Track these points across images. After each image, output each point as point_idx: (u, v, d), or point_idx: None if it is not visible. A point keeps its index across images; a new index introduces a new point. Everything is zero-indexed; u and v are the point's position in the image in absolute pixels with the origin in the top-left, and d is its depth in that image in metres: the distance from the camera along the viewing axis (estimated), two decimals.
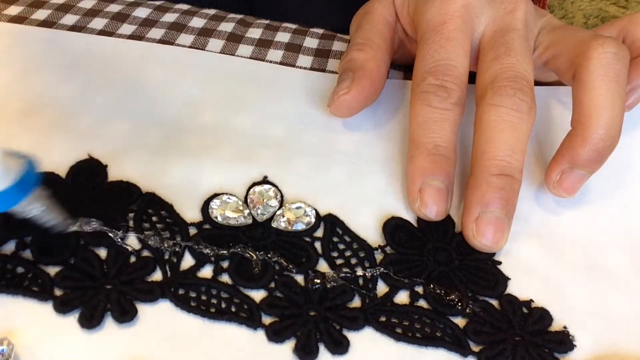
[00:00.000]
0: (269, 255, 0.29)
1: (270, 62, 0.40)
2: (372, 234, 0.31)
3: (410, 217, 0.32)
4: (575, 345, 0.28)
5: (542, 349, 0.27)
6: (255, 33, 0.43)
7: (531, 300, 0.29)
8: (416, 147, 0.32)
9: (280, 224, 0.31)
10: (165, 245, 0.29)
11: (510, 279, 0.30)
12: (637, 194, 0.35)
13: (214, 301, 0.28)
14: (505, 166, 0.30)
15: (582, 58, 0.31)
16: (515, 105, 0.30)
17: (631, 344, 0.28)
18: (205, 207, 0.31)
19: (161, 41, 0.41)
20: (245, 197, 0.32)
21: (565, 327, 0.28)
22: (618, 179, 0.35)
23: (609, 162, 0.32)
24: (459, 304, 0.28)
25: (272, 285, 0.28)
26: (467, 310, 0.28)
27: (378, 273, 0.29)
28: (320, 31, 0.44)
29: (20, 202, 0.25)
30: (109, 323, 0.26)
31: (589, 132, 0.30)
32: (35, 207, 0.26)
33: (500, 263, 0.30)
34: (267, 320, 0.27)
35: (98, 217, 0.29)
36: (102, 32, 0.41)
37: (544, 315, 0.29)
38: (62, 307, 0.26)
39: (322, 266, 0.29)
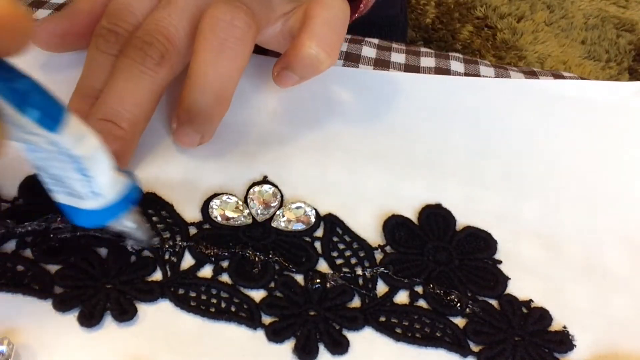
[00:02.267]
0: (270, 256, 0.29)
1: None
2: (372, 233, 0.31)
3: (411, 215, 0.32)
4: (575, 345, 0.28)
5: (542, 349, 0.27)
6: None
7: (531, 300, 0.29)
8: (75, 89, 0.31)
9: (280, 223, 0.31)
10: (166, 245, 0.29)
11: (510, 278, 0.30)
12: (637, 194, 0.35)
13: (214, 301, 0.28)
14: (107, 112, 0.30)
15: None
16: (139, 58, 0.30)
17: (631, 344, 0.28)
18: (205, 207, 0.31)
19: None
20: (245, 197, 0.32)
21: (565, 327, 0.28)
22: (618, 179, 0.35)
23: (609, 162, 0.32)
24: (459, 304, 0.28)
25: (272, 285, 0.28)
26: (467, 311, 0.28)
27: (378, 273, 0.29)
28: None
29: (122, 216, 0.25)
30: (109, 322, 0.26)
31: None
32: (130, 222, 0.26)
33: (500, 262, 0.30)
34: (267, 320, 0.27)
35: None
36: None
37: (544, 315, 0.29)
38: (62, 306, 0.26)
39: (322, 266, 0.29)
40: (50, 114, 0.19)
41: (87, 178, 0.22)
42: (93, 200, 0.22)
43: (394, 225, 0.31)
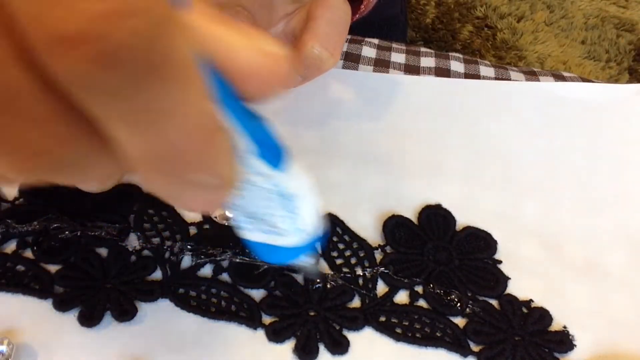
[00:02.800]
0: None
1: None
2: (372, 233, 0.31)
3: (410, 216, 0.32)
4: (575, 345, 0.28)
5: (542, 348, 0.27)
6: None
7: (531, 300, 0.29)
8: None
9: None
10: (166, 245, 0.29)
11: (510, 278, 0.30)
12: (636, 195, 0.35)
13: (214, 301, 0.28)
14: None
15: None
16: None
17: (631, 343, 0.28)
18: None
19: None
20: None
21: (565, 327, 0.28)
22: (618, 179, 0.35)
23: (609, 163, 0.32)
24: (459, 304, 0.28)
25: (272, 285, 0.28)
26: (467, 310, 0.28)
27: (378, 273, 0.29)
28: None
29: (314, 250, 0.25)
30: (109, 322, 0.26)
31: None
32: (309, 259, 0.26)
33: (500, 262, 0.30)
34: (267, 320, 0.27)
35: (99, 217, 0.29)
36: None
37: (544, 315, 0.29)
38: (62, 306, 0.26)
39: (322, 266, 0.29)
40: (276, 152, 0.19)
41: (293, 215, 0.22)
42: (294, 237, 0.23)
43: (394, 225, 0.31)
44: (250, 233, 0.23)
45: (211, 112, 0.13)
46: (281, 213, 0.21)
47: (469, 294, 0.29)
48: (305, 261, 0.25)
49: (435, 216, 0.32)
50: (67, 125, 0.12)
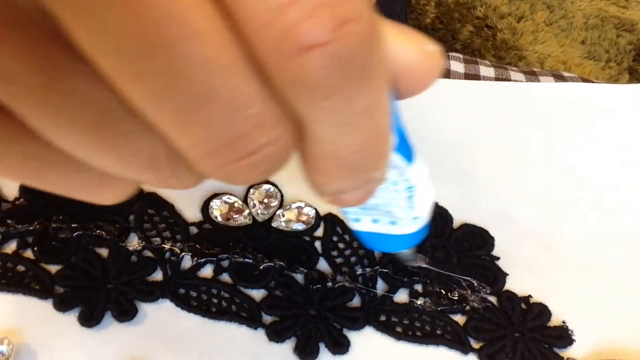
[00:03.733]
0: (270, 256, 0.29)
1: None
2: None
3: None
4: (574, 340, 0.28)
5: (542, 344, 0.27)
6: None
7: (530, 296, 0.29)
8: None
9: (281, 223, 0.31)
10: (166, 245, 0.29)
11: (508, 274, 0.30)
12: (636, 194, 0.35)
13: (215, 301, 0.28)
14: None
15: None
16: None
17: (630, 342, 0.28)
18: (206, 207, 0.31)
19: None
20: (245, 197, 0.32)
21: (564, 322, 0.28)
22: (618, 179, 0.35)
23: (609, 163, 0.32)
24: (458, 301, 0.28)
25: (273, 285, 0.28)
26: (467, 308, 0.28)
27: (378, 272, 0.29)
28: None
29: (423, 238, 0.25)
30: (110, 322, 0.26)
31: None
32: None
33: (498, 259, 0.30)
34: (267, 320, 0.27)
35: (100, 217, 0.29)
36: None
37: (543, 311, 0.29)
38: (62, 306, 0.26)
39: (322, 266, 0.29)
40: (408, 146, 0.20)
41: (411, 205, 0.22)
42: (411, 226, 0.23)
43: None
44: (364, 224, 0.23)
45: (390, 110, 0.14)
46: (402, 204, 0.22)
47: (469, 291, 0.29)
48: (413, 248, 0.26)
49: (432, 214, 0.32)
50: (280, 126, 0.12)
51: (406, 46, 0.15)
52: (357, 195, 0.16)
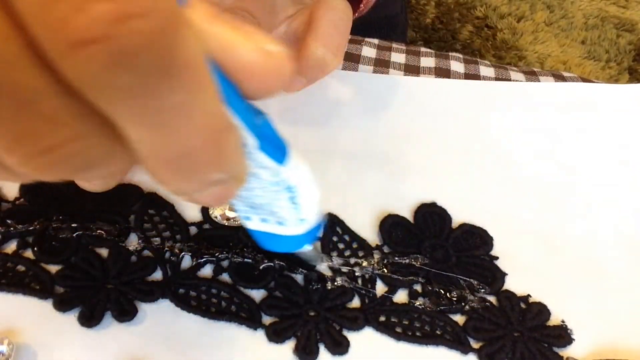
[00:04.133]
0: (270, 256, 0.29)
1: None
2: (371, 233, 0.31)
3: (407, 215, 0.32)
4: (574, 339, 0.28)
5: (541, 343, 0.27)
6: None
7: (529, 296, 0.29)
8: None
9: None
10: (166, 245, 0.29)
11: (507, 274, 0.30)
12: (636, 194, 0.35)
13: (214, 301, 0.28)
14: None
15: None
16: None
17: (629, 340, 0.28)
18: (206, 207, 0.31)
19: None
20: None
21: (563, 321, 0.29)
22: (618, 179, 0.35)
23: (609, 163, 0.32)
24: (458, 301, 0.28)
25: (272, 285, 0.28)
26: (466, 308, 0.28)
27: (377, 272, 0.29)
28: None
29: (315, 239, 0.25)
30: (110, 322, 0.26)
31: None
32: (311, 247, 0.26)
33: (497, 258, 0.30)
34: (267, 320, 0.27)
35: (100, 217, 0.29)
36: None
37: (542, 310, 0.29)
38: (62, 306, 0.26)
39: (322, 266, 0.29)
40: (279, 146, 0.20)
41: (295, 205, 0.22)
42: (297, 227, 0.23)
43: (390, 224, 0.31)
44: (254, 223, 0.23)
45: (220, 110, 0.13)
46: (284, 204, 0.22)
47: (468, 291, 0.29)
48: (307, 249, 0.26)
49: (431, 214, 0.32)
50: (81, 123, 0.12)
51: (243, 45, 0.15)
52: (207, 196, 0.16)
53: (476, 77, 0.40)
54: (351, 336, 0.27)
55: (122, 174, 0.15)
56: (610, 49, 1.29)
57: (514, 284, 0.30)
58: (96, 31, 0.10)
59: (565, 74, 0.42)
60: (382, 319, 0.28)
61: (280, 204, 0.22)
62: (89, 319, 0.26)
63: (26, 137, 0.12)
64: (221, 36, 0.15)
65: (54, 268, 0.28)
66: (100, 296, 0.27)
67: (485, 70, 0.41)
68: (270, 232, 0.23)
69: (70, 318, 0.26)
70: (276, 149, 0.20)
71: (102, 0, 0.10)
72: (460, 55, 0.42)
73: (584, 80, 0.41)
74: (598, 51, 1.28)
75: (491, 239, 0.31)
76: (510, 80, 0.40)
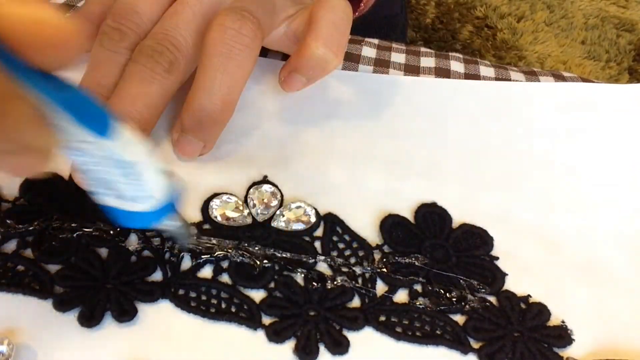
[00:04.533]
0: (270, 256, 0.29)
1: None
2: (371, 232, 0.31)
3: (408, 215, 0.32)
4: (574, 340, 0.28)
5: (541, 343, 0.27)
6: None
7: (529, 296, 0.29)
8: (79, 85, 0.31)
9: (280, 223, 0.31)
10: (166, 245, 0.29)
11: (507, 274, 0.30)
12: (636, 194, 0.35)
13: (214, 301, 0.28)
14: (118, 112, 0.30)
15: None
16: (149, 64, 0.30)
17: (630, 341, 0.28)
18: (205, 207, 0.31)
19: None
20: (245, 197, 0.32)
21: (563, 321, 0.29)
22: (618, 179, 0.35)
23: (609, 163, 0.32)
24: (458, 301, 0.28)
25: (272, 285, 0.28)
26: (466, 308, 0.28)
27: (377, 272, 0.29)
28: None
29: (169, 216, 0.25)
30: (109, 323, 0.26)
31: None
32: (173, 221, 0.26)
33: (497, 259, 0.30)
34: (267, 320, 0.27)
35: (100, 217, 0.29)
36: None
37: (542, 310, 0.29)
38: (62, 306, 0.26)
39: (322, 266, 0.29)
40: (99, 120, 0.20)
41: (137, 182, 0.22)
42: (144, 203, 0.23)
43: (390, 224, 0.31)
44: (104, 198, 0.23)
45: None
46: (124, 180, 0.22)
47: (468, 291, 0.29)
48: (169, 224, 0.26)
49: (431, 214, 0.32)
50: None
51: (17, 15, 0.15)
52: (5, 166, 0.16)
53: (476, 77, 0.40)
54: (351, 336, 0.27)
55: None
56: (610, 49, 1.29)
57: (514, 284, 0.30)
58: None
59: (565, 74, 0.42)
60: (382, 318, 0.28)
61: (121, 180, 0.22)
62: (89, 319, 0.26)
63: None
64: None
65: (53, 268, 0.28)
66: (100, 296, 0.27)
67: (485, 70, 0.41)
68: (119, 208, 0.23)
69: (70, 318, 0.26)
70: (95, 122, 0.19)
71: None
72: (460, 55, 0.42)
73: (584, 80, 0.41)
74: (598, 51, 1.28)
75: (491, 239, 0.31)
76: (510, 80, 0.41)
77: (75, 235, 0.29)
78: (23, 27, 0.15)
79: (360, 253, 0.30)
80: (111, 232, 0.29)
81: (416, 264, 0.30)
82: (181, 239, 0.28)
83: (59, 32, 0.16)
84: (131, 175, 0.22)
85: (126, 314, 0.26)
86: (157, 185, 0.23)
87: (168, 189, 0.24)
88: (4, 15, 0.15)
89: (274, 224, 0.31)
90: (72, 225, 0.29)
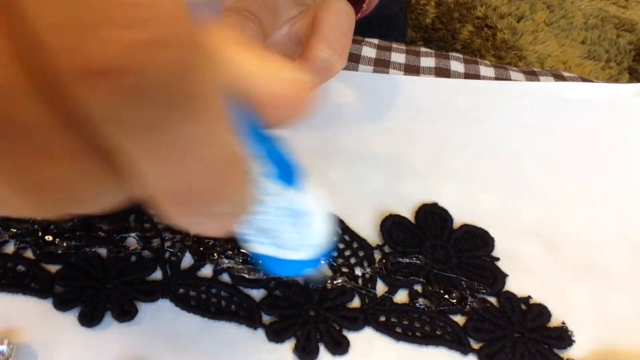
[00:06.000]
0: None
1: None
2: (371, 233, 0.31)
3: (408, 215, 0.32)
4: (574, 341, 0.28)
5: (542, 345, 0.27)
6: None
7: (529, 297, 0.29)
8: None
9: None
10: (166, 245, 0.29)
11: (508, 275, 0.30)
12: (636, 194, 0.35)
13: (214, 301, 0.28)
14: None
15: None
16: None
17: (629, 341, 0.28)
18: None
19: None
20: None
21: (563, 323, 0.28)
22: (618, 179, 0.35)
23: (609, 163, 0.32)
24: (458, 302, 0.28)
25: (272, 285, 0.28)
26: (467, 308, 0.28)
27: (377, 272, 0.29)
28: None
29: (322, 263, 0.25)
30: (110, 322, 0.26)
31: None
32: (322, 267, 0.26)
33: (498, 259, 0.30)
34: (267, 320, 0.27)
35: (100, 217, 0.29)
36: None
37: (543, 312, 0.29)
38: (62, 305, 0.26)
39: (323, 267, 0.29)
40: (290, 172, 0.20)
41: (303, 230, 0.22)
42: (304, 252, 0.23)
43: (391, 224, 0.31)
44: (259, 247, 0.22)
45: (232, 143, 0.13)
46: (292, 229, 0.21)
47: (468, 292, 0.29)
48: (311, 272, 0.25)
49: (432, 214, 0.32)
50: (81, 157, 0.11)
51: (262, 72, 0.14)
52: (211, 228, 0.15)
53: (476, 77, 0.40)
54: (351, 336, 0.27)
55: (117, 204, 0.15)
56: (610, 49, 1.28)
57: (514, 284, 0.30)
58: (121, 61, 0.09)
59: (565, 74, 0.42)
60: (382, 319, 0.28)
61: (287, 229, 0.21)
62: (89, 319, 0.26)
63: (21, 170, 0.11)
64: (239, 62, 0.14)
65: (53, 268, 0.28)
66: (100, 296, 0.27)
67: (485, 70, 0.41)
68: (275, 257, 0.23)
69: (70, 318, 0.26)
70: (288, 174, 0.19)
71: (122, 26, 0.09)
72: (460, 55, 0.42)
73: (584, 80, 0.41)
74: (598, 51, 1.28)
75: (492, 239, 0.31)
76: (510, 80, 0.41)
77: (75, 235, 0.29)
78: (268, 87, 0.14)
79: (361, 253, 0.30)
80: (111, 232, 0.29)
81: (417, 264, 0.30)
82: (317, 284, 0.28)
83: (300, 92, 0.15)
84: (301, 224, 0.21)
85: (126, 314, 0.26)
86: (322, 233, 0.23)
87: (329, 236, 0.23)
88: (249, 71, 0.14)
89: None
90: (73, 225, 0.29)
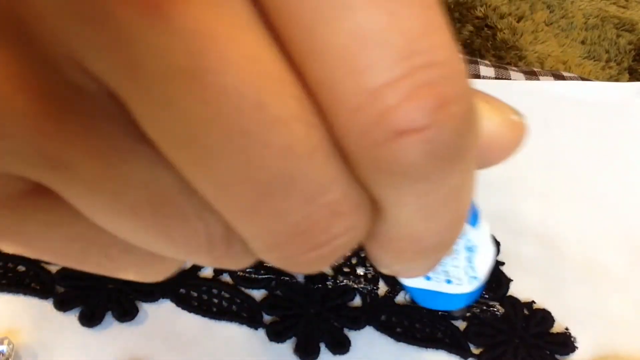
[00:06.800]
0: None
1: None
2: None
3: None
4: (577, 347, 0.28)
5: (544, 350, 0.27)
6: None
7: (533, 302, 0.29)
8: None
9: None
10: None
11: (512, 280, 0.30)
12: (636, 194, 0.35)
13: (215, 301, 0.28)
14: None
15: None
16: None
17: (631, 344, 0.28)
18: None
19: None
20: None
21: (567, 329, 0.28)
22: (618, 179, 0.35)
23: (610, 163, 0.32)
24: None
25: (273, 285, 0.28)
26: (468, 313, 0.28)
27: (379, 272, 0.29)
28: None
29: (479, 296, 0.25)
30: (110, 322, 0.26)
31: None
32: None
33: (503, 264, 0.30)
34: (268, 319, 0.27)
35: None
36: None
37: (546, 317, 0.28)
38: (63, 305, 0.26)
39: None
40: (474, 211, 0.20)
41: (471, 264, 0.22)
42: (468, 285, 0.22)
43: None
44: (417, 281, 0.22)
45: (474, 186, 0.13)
46: (461, 264, 0.21)
47: None
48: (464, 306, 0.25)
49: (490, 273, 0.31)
50: (358, 212, 0.11)
51: (492, 117, 0.14)
52: (422, 271, 0.15)
53: (476, 77, 0.40)
54: (352, 336, 0.27)
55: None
56: (610, 49, 1.29)
57: (517, 288, 0.29)
58: (420, 120, 0.09)
59: (565, 74, 0.42)
60: (383, 318, 0.28)
61: (456, 264, 0.21)
62: (90, 319, 0.26)
63: (303, 234, 0.11)
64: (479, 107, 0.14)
65: (54, 268, 0.28)
66: (101, 296, 0.27)
67: (485, 70, 0.41)
68: (433, 290, 0.23)
69: (71, 318, 0.26)
70: (473, 213, 0.19)
71: (427, 87, 0.09)
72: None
73: (584, 80, 0.41)
74: (598, 51, 1.28)
75: (497, 244, 0.31)
76: (510, 79, 0.40)
77: None
78: (496, 130, 0.14)
79: (362, 253, 0.30)
80: None
81: None
82: (457, 315, 0.28)
83: (522, 134, 0.15)
84: (471, 258, 0.21)
85: (127, 314, 0.26)
86: (486, 267, 0.22)
87: (489, 272, 0.23)
88: (487, 119, 0.14)
89: None
90: None
